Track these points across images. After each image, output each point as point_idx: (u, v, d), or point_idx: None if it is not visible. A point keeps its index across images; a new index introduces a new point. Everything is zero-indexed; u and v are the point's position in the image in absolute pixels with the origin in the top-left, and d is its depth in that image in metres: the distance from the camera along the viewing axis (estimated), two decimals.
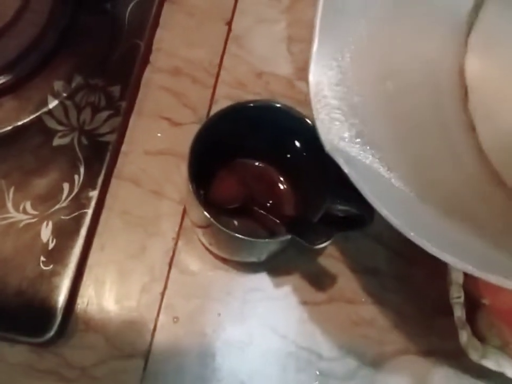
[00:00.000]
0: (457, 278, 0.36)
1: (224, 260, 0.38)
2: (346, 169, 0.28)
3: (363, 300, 0.39)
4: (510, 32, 0.34)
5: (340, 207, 0.34)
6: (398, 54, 0.34)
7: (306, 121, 0.31)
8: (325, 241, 0.28)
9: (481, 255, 0.28)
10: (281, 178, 0.38)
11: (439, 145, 0.34)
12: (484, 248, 0.29)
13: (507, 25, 0.34)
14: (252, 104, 0.31)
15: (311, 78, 0.30)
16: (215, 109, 0.41)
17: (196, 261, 0.38)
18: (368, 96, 0.32)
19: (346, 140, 0.30)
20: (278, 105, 0.32)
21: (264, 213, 0.34)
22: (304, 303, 0.38)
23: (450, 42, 0.35)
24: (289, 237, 0.30)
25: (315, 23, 0.30)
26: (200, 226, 0.34)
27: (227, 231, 0.29)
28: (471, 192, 0.33)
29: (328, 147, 0.29)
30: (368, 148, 0.30)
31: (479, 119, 0.34)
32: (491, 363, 0.34)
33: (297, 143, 0.34)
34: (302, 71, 0.44)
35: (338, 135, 0.30)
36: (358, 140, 0.30)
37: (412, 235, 0.25)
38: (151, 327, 0.36)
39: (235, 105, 0.31)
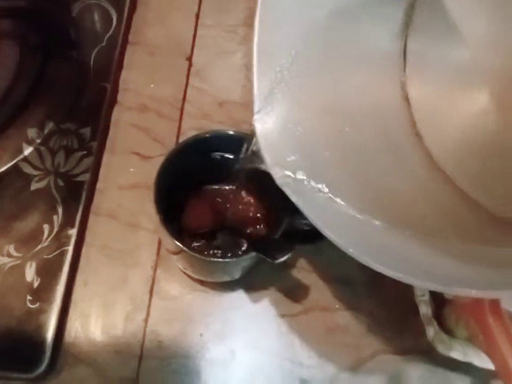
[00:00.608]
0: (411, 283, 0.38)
1: (201, 282, 0.40)
2: (294, 198, 0.30)
3: (337, 307, 0.41)
4: (434, 57, 0.36)
5: (304, 221, 0.36)
6: (337, 88, 0.36)
7: None
8: (285, 255, 0.30)
9: (429, 264, 0.29)
10: (249, 199, 0.41)
11: (388, 163, 0.36)
12: (433, 257, 0.30)
13: (431, 51, 0.36)
14: (206, 135, 0.34)
15: (256, 117, 0.32)
16: (183, 139, 0.44)
17: (175, 286, 0.40)
18: (311, 130, 0.34)
19: (292, 173, 0.32)
20: (231, 132, 0.34)
21: (232, 233, 0.36)
22: (282, 315, 0.40)
23: (390, 75, 0.37)
24: (253, 254, 0.32)
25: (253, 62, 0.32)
26: (174, 253, 0.36)
27: (195, 255, 0.32)
28: (424, 200, 0.35)
29: (277, 180, 0.31)
30: (312, 181, 0.32)
31: (425, 132, 0.36)
32: (458, 354, 0.36)
33: None
34: None
35: (283, 168, 0.32)
36: (302, 173, 0.32)
37: (350, 251, 0.27)
38: (138, 353, 0.38)
39: (188, 140, 0.34)
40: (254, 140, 0.31)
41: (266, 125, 0.31)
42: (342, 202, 0.31)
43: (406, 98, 0.37)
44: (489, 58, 0.33)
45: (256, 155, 0.32)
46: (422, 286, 0.26)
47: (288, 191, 0.30)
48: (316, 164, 0.33)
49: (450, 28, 0.34)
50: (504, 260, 0.28)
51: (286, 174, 0.31)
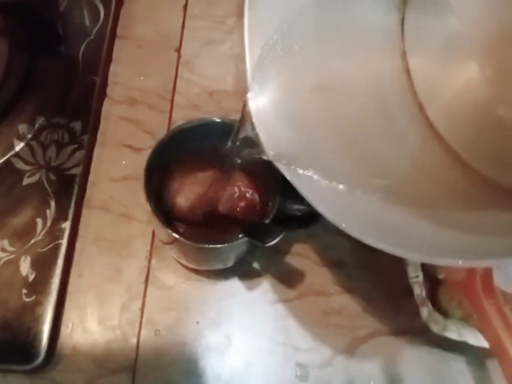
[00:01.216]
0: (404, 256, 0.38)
1: (196, 271, 0.40)
2: (287, 176, 0.30)
3: (332, 291, 0.41)
4: (430, 29, 0.36)
5: (296, 206, 0.36)
6: (333, 64, 0.36)
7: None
8: (276, 239, 0.31)
9: (428, 238, 0.29)
10: (240, 184, 0.41)
11: (387, 137, 0.36)
12: (427, 229, 0.30)
13: (427, 24, 0.36)
14: (194, 124, 0.34)
15: (250, 95, 0.32)
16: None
17: (170, 276, 0.40)
18: (306, 107, 0.34)
19: (286, 151, 0.32)
20: (218, 120, 0.34)
21: (224, 218, 0.37)
22: (277, 301, 0.40)
23: (389, 48, 0.37)
24: (245, 239, 0.32)
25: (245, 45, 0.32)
26: (167, 243, 0.36)
27: (187, 242, 0.32)
28: (423, 172, 0.35)
29: (270, 157, 0.31)
30: (308, 165, 0.32)
31: (426, 101, 0.36)
32: (453, 334, 0.36)
33: None
34: None
35: (278, 145, 0.31)
36: (298, 155, 0.32)
37: (343, 226, 0.27)
38: (135, 342, 0.38)
39: (176, 128, 0.34)
40: (245, 122, 0.31)
41: (260, 103, 0.31)
42: (333, 183, 0.31)
43: (407, 70, 0.36)
44: (476, 32, 0.33)
45: (248, 139, 0.32)
46: (411, 257, 0.26)
47: (282, 168, 0.30)
48: (311, 140, 0.33)
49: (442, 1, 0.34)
50: (500, 226, 0.28)
51: (280, 152, 0.31)
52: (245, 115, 0.31)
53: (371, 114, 0.36)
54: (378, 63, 0.37)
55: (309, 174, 0.31)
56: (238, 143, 0.33)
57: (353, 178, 0.33)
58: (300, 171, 0.31)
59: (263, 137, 0.31)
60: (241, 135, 0.32)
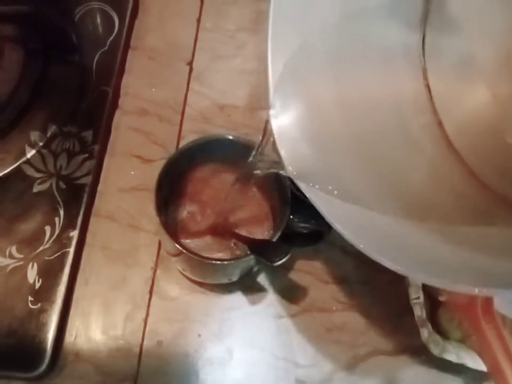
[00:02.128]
0: (415, 280, 0.39)
1: (200, 283, 0.41)
2: (307, 193, 0.30)
3: (334, 308, 0.41)
4: (448, 48, 0.37)
5: (302, 224, 0.37)
6: (354, 81, 0.36)
7: None
8: (283, 258, 0.31)
9: (446, 261, 0.29)
10: (251, 201, 0.41)
11: (406, 154, 0.36)
12: (442, 250, 0.30)
13: (445, 42, 0.37)
14: (206, 140, 0.35)
15: (272, 112, 0.32)
16: (183, 143, 0.45)
17: (174, 287, 0.41)
18: (326, 124, 0.34)
19: (306, 169, 0.32)
20: (230, 137, 0.35)
21: (232, 233, 0.37)
22: (279, 316, 0.41)
23: (410, 65, 0.38)
24: (252, 256, 0.33)
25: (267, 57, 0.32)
26: (173, 255, 0.37)
27: (194, 257, 0.32)
28: (440, 189, 0.35)
29: (290, 173, 0.31)
30: (327, 182, 0.32)
31: (446, 119, 0.36)
32: (451, 356, 0.37)
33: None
34: (261, 101, 0.48)
35: (298, 162, 0.32)
36: (317, 174, 0.32)
37: (361, 247, 0.28)
38: (137, 352, 0.39)
39: (188, 144, 0.35)
40: (267, 139, 0.32)
41: (281, 120, 0.31)
42: (351, 202, 0.31)
43: (427, 86, 0.37)
44: (487, 54, 0.34)
45: (267, 156, 0.32)
46: (430, 282, 0.27)
47: (301, 186, 0.30)
48: (330, 158, 0.33)
49: (457, 20, 0.35)
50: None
51: (300, 169, 0.31)
52: (266, 132, 0.31)
53: (391, 131, 0.36)
54: (399, 80, 0.37)
55: (328, 192, 0.32)
56: (258, 158, 0.33)
57: (372, 197, 0.33)
58: (319, 189, 0.31)
59: (284, 154, 0.31)
60: (262, 151, 0.32)
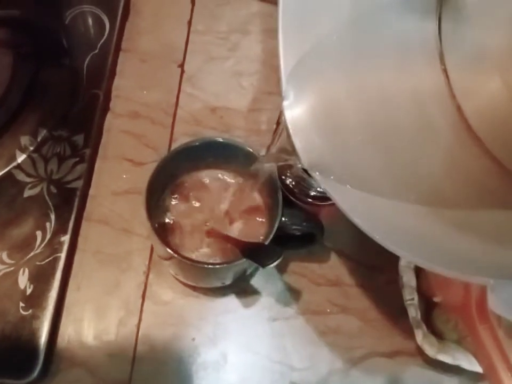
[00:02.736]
0: (409, 281, 0.38)
1: (193, 287, 0.40)
2: (321, 184, 0.30)
3: (328, 310, 0.41)
4: (463, 36, 0.37)
5: (294, 227, 0.37)
6: (371, 71, 0.36)
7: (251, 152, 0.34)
8: (275, 261, 0.31)
9: (462, 251, 0.29)
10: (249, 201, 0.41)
11: (423, 142, 0.36)
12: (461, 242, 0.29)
13: (460, 31, 0.37)
14: (197, 143, 0.35)
15: (285, 103, 0.32)
16: (175, 146, 0.44)
17: (167, 291, 0.40)
18: (341, 115, 0.34)
19: (320, 159, 0.31)
20: (220, 140, 0.35)
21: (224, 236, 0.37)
22: (274, 319, 0.41)
23: (426, 51, 0.37)
24: (244, 260, 0.33)
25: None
26: (165, 259, 0.37)
27: (186, 261, 0.32)
28: (458, 176, 0.35)
29: (305, 165, 0.30)
30: (343, 173, 0.32)
31: (464, 103, 0.36)
32: (447, 357, 0.37)
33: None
34: (253, 103, 0.48)
35: (313, 153, 0.31)
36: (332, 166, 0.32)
37: (377, 238, 0.27)
38: (131, 357, 0.38)
39: (179, 148, 0.34)
40: (281, 130, 0.31)
41: (295, 112, 0.31)
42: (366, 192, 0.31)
43: (445, 72, 0.37)
44: (496, 40, 0.34)
45: (282, 148, 0.32)
46: (447, 273, 0.26)
47: (316, 177, 0.30)
48: (346, 149, 0.33)
49: (470, 8, 0.35)
50: None
51: (315, 160, 0.31)
52: (280, 123, 0.31)
53: (408, 120, 0.36)
54: (417, 69, 0.37)
55: (343, 182, 0.31)
56: (273, 151, 0.33)
57: (389, 185, 0.33)
58: (334, 179, 0.31)
59: (299, 145, 0.30)
60: (276, 143, 0.32)
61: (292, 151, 0.30)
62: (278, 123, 0.32)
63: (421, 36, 0.36)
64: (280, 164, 0.33)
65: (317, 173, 0.30)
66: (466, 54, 0.36)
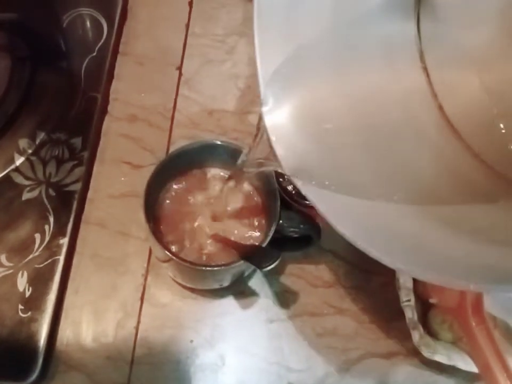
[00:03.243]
0: (405, 283, 0.39)
1: (192, 289, 0.41)
2: (303, 190, 0.29)
3: (325, 312, 0.41)
4: (442, 35, 0.37)
5: (291, 229, 0.37)
6: (353, 75, 0.36)
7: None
8: (273, 263, 0.31)
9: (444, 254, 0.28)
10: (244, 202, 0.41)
11: (409, 142, 0.36)
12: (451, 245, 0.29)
13: (439, 29, 0.37)
14: (194, 146, 0.35)
15: (264, 109, 0.31)
16: (173, 148, 0.45)
17: (165, 293, 0.41)
18: (324, 119, 0.33)
19: (303, 165, 0.31)
20: (218, 142, 0.35)
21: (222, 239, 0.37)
22: (271, 320, 0.41)
23: (407, 51, 0.37)
24: (241, 262, 0.33)
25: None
26: (163, 261, 0.37)
27: (184, 263, 0.32)
28: (441, 168, 0.34)
29: (287, 171, 0.30)
30: (326, 178, 0.32)
31: (446, 102, 0.36)
32: (443, 358, 0.37)
33: None
34: (250, 105, 0.48)
35: (295, 159, 0.31)
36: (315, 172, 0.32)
37: (359, 244, 0.26)
38: (129, 359, 0.39)
39: (176, 151, 0.35)
40: (261, 137, 0.31)
41: (275, 117, 0.30)
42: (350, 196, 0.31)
43: (426, 70, 0.37)
44: (471, 39, 0.34)
45: (260, 154, 0.32)
46: (438, 280, 0.26)
47: (298, 183, 0.29)
48: (330, 152, 0.33)
49: (446, 7, 0.35)
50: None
51: (297, 166, 0.30)
52: (260, 129, 0.31)
53: (392, 120, 0.36)
54: (399, 70, 0.37)
55: (326, 187, 0.31)
56: (251, 158, 0.33)
57: (376, 184, 0.33)
58: (316, 185, 0.31)
59: (280, 151, 0.30)
60: (256, 151, 0.31)
61: (273, 157, 0.30)
62: (258, 128, 0.31)
63: (402, 36, 0.37)
64: (261, 169, 0.33)
65: (298, 180, 0.30)
66: (445, 53, 0.36)
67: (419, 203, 0.31)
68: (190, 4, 0.52)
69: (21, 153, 0.43)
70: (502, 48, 0.33)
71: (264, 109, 0.30)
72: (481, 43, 0.34)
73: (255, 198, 0.39)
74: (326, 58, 0.34)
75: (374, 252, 0.26)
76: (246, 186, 0.40)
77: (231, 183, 0.37)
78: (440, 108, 0.36)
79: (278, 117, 0.31)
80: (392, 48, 0.37)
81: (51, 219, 0.41)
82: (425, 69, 0.36)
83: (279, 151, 0.30)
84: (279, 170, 0.30)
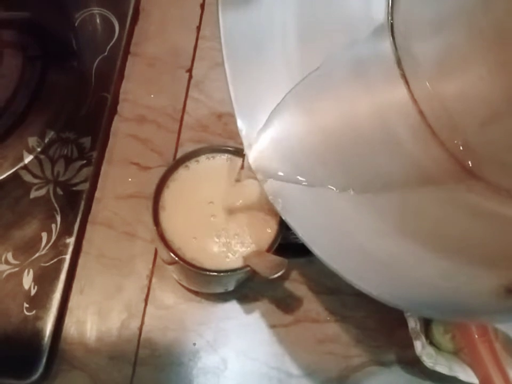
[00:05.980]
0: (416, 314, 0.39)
1: (196, 292, 0.41)
2: (282, 214, 0.31)
3: (327, 318, 0.42)
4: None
5: (296, 236, 0.37)
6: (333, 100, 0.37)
7: None
8: (279, 272, 0.31)
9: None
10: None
11: (388, 155, 0.36)
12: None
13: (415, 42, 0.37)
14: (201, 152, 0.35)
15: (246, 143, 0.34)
16: (181, 151, 0.45)
17: (170, 296, 0.41)
18: (306, 145, 0.34)
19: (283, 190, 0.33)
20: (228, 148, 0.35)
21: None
22: (273, 326, 0.41)
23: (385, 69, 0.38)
24: (247, 268, 0.33)
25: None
26: (169, 264, 0.37)
27: (190, 268, 0.33)
28: (423, 181, 0.35)
29: (268, 195, 0.32)
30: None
31: (426, 109, 0.37)
32: (444, 368, 0.37)
33: None
34: None
35: (275, 183, 0.33)
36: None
37: (334, 267, 0.29)
38: (132, 360, 0.39)
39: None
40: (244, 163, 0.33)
41: (255, 148, 0.33)
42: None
43: (404, 77, 0.37)
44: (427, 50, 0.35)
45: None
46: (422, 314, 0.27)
47: (278, 208, 0.31)
48: (311, 176, 0.33)
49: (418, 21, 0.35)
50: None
51: (278, 191, 0.32)
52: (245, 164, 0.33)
53: (374, 137, 0.37)
54: (376, 81, 0.37)
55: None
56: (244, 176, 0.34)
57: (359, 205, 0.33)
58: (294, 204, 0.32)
59: (260, 176, 0.32)
60: (246, 171, 0.33)
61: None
62: (242, 163, 0.34)
63: (375, 50, 0.37)
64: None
65: (277, 204, 0.31)
66: (422, 60, 0.37)
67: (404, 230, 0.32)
68: (202, 6, 0.52)
69: (30, 151, 0.43)
70: (474, 51, 0.33)
71: (245, 142, 0.34)
72: (433, 54, 0.34)
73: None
74: (300, 94, 0.35)
75: (350, 277, 0.29)
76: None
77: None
78: (421, 113, 0.36)
79: (257, 148, 0.34)
80: (367, 63, 0.37)
81: (58, 218, 0.41)
82: (403, 76, 0.37)
83: (259, 176, 0.32)
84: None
